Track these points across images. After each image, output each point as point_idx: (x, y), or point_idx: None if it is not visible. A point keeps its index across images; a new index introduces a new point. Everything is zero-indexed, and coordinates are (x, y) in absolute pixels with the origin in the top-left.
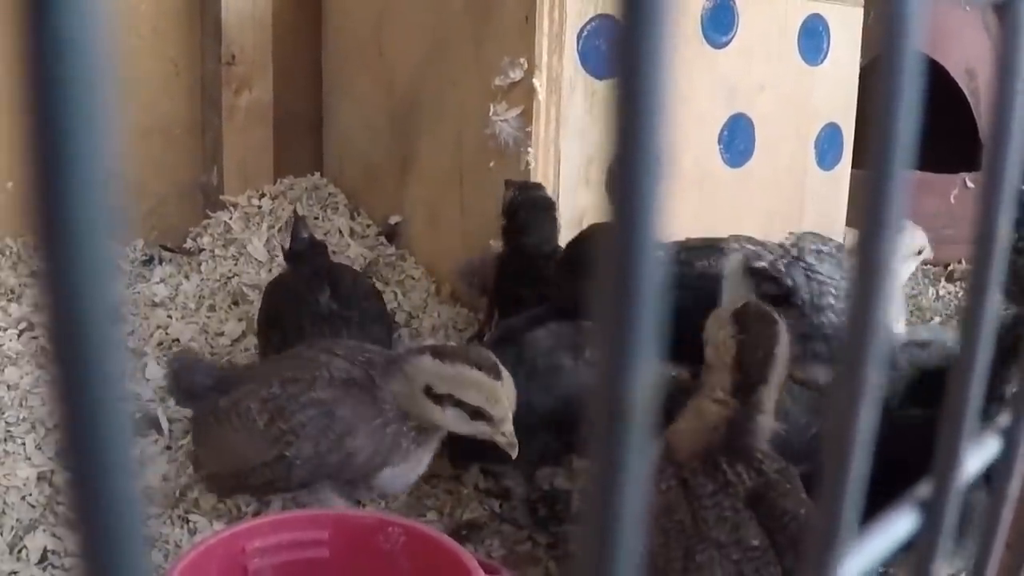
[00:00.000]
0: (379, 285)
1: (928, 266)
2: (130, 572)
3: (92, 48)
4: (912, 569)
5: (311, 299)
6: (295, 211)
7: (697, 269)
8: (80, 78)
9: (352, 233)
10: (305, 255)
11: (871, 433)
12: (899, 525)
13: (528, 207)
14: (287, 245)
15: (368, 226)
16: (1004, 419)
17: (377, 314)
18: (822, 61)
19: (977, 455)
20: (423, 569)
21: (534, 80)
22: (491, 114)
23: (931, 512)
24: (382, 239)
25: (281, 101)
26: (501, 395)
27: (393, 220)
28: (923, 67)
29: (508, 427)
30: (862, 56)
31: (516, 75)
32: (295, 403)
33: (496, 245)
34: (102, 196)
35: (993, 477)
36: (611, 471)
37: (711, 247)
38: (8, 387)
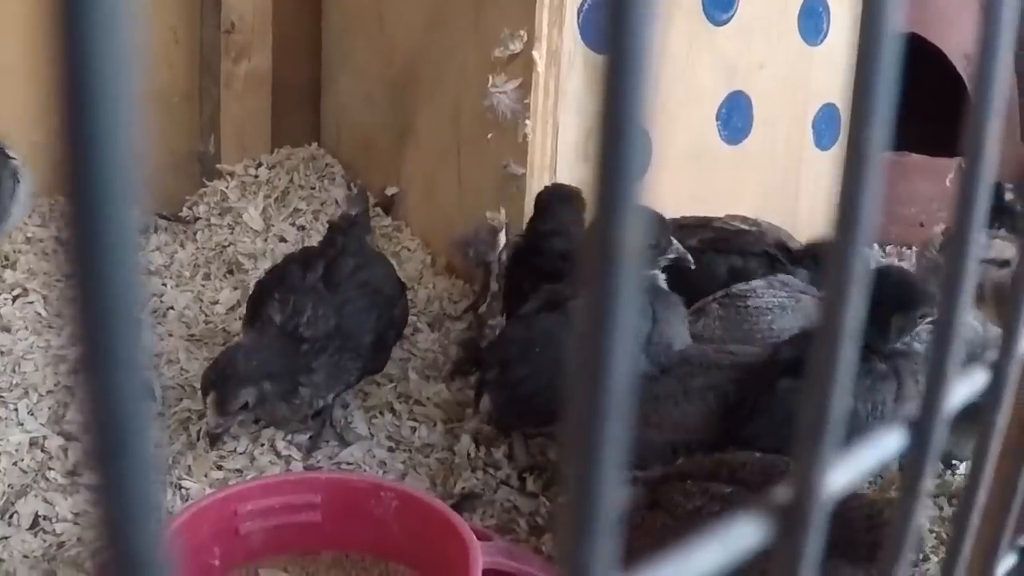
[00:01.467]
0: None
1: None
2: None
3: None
4: (902, 484)
5: (298, 272)
6: (359, 182)
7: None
8: (104, 45)
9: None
10: (342, 229)
11: (855, 349)
12: (888, 441)
13: (556, 197)
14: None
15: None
16: (992, 354)
17: (365, 309)
18: (822, 41)
19: (966, 384)
20: (415, 534)
21: (534, 52)
22: (489, 86)
23: (919, 432)
24: (378, 210)
25: (280, 70)
26: None
27: (390, 191)
28: (921, 51)
29: None
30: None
31: (516, 47)
32: None
33: (493, 218)
34: (127, 163)
35: (983, 409)
36: (603, 306)
37: (704, 226)
38: (1, 353)
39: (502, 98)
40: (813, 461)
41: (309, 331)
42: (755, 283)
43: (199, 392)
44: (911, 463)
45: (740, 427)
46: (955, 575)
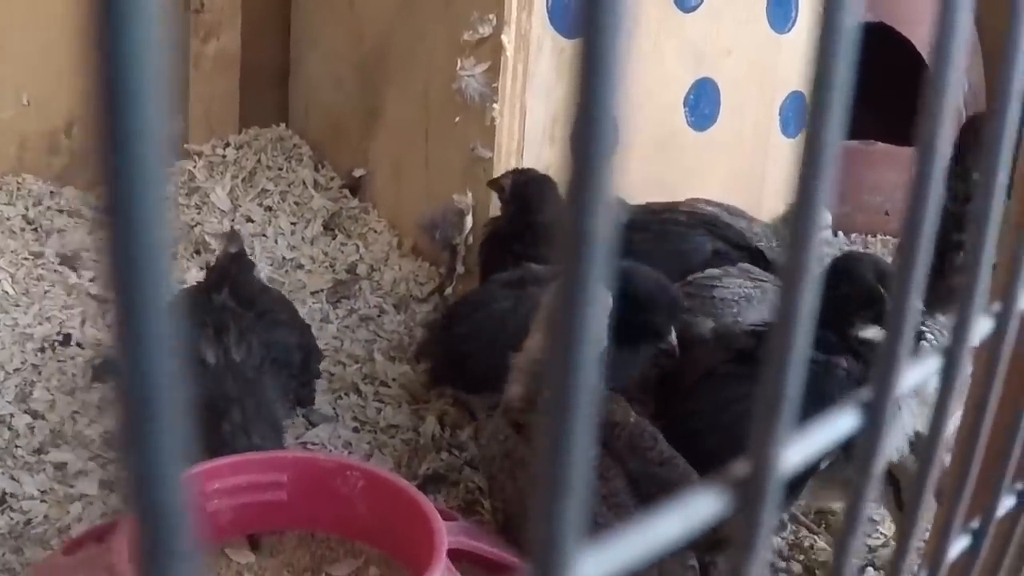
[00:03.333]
0: (341, 238)
1: (888, 237)
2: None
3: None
4: (856, 464)
5: (204, 296)
6: (231, 227)
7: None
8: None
9: (316, 185)
10: (228, 270)
11: (809, 333)
12: (842, 422)
13: (535, 183)
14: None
15: (332, 178)
16: (945, 341)
17: (284, 320)
18: (790, 29)
19: (919, 369)
20: (381, 513)
21: (502, 36)
22: (458, 69)
23: (872, 413)
24: (345, 191)
25: (248, 51)
26: None
27: (357, 173)
28: (889, 42)
29: None
30: None
31: (485, 31)
32: None
33: (460, 200)
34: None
35: (939, 392)
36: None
37: (672, 210)
38: None
39: (470, 81)
40: (769, 438)
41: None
42: (717, 271)
43: None
44: (863, 444)
45: (677, 401)
46: (956, 511)
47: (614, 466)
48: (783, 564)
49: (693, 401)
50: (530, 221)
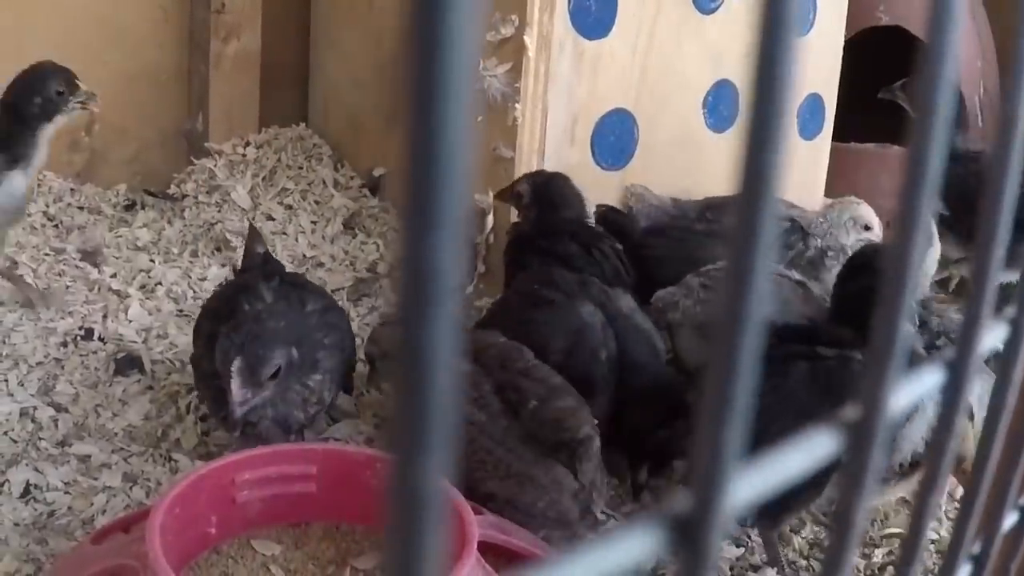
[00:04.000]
0: (362, 236)
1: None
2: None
3: None
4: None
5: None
6: (251, 225)
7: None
8: None
9: (336, 184)
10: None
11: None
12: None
13: (555, 183)
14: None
15: (352, 178)
16: (949, 352)
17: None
18: (807, 32)
19: (913, 387)
20: None
21: (525, 37)
22: (480, 69)
23: (954, 371)
24: (365, 191)
25: (268, 51)
26: None
27: (377, 172)
28: (904, 45)
29: None
30: (847, 29)
31: (507, 31)
32: None
33: (481, 200)
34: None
35: (943, 403)
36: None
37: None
38: None
39: (493, 81)
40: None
41: (312, 305)
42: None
43: (188, 367)
44: (945, 401)
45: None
46: (967, 531)
47: (484, 377)
48: (804, 563)
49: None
50: (555, 219)
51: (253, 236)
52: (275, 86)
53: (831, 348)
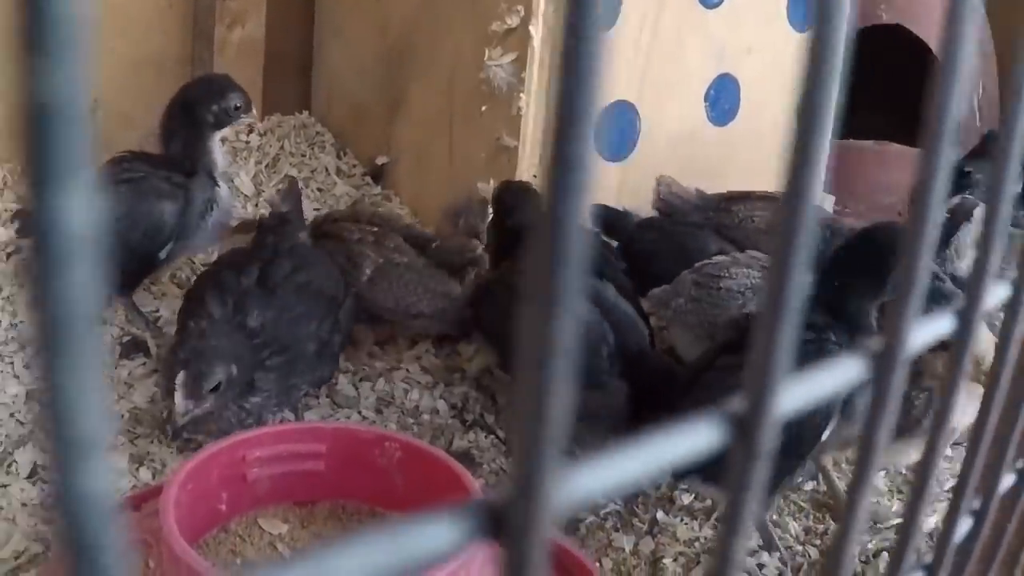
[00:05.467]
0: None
1: None
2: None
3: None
4: (866, 415)
5: (231, 276)
6: (291, 180)
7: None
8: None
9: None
10: (273, 228)
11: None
12: (845, 371)
13: (509, 191)
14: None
15: (354, 166)
16: (959, 302)
17: (306, 315)
18: (807, 30)
19: (929, 329)
20: (418, 484)
21: (530, 28)
22: (486, 59)
23: (879, 365)
24: (368, 179)
25: (272, 39)
26: None
27: (380, 160)
28: (905, 42)
29: None
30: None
31: (512, 22)
32: None
33: (484, 189)
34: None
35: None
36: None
37: (747, 197)
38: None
39: (498, 71)
40: (902, 319)
41: (255, 323)
42: (726, 259)
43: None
44: (875, 396)
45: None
46: (965, 494)
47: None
48: (800, 548)
49: (689, 399)
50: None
51: (286, 193)
52: (278, 74)
53: (808, 332)
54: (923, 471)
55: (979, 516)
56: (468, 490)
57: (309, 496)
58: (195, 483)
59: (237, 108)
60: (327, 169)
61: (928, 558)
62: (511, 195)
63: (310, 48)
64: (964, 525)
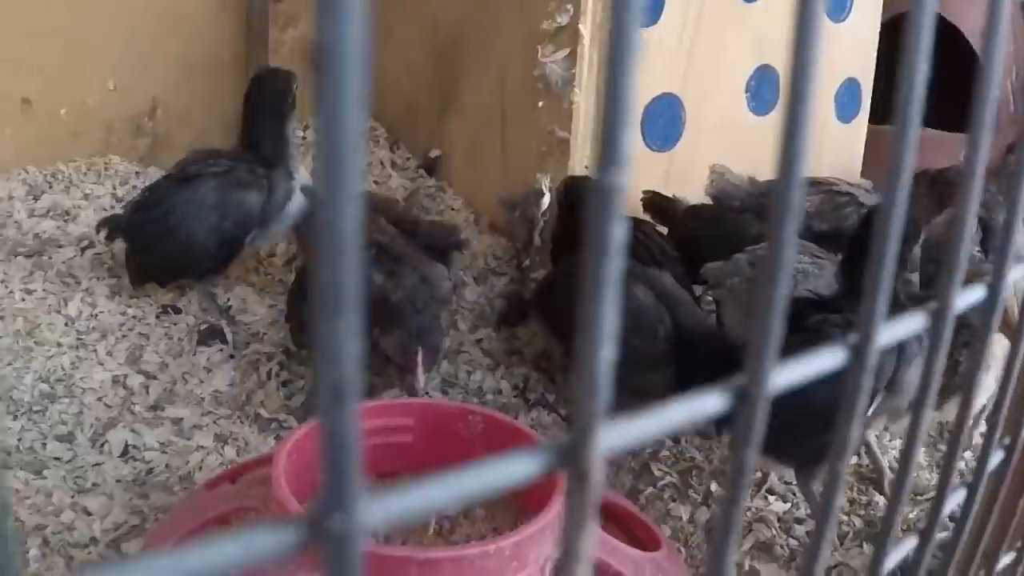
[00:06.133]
0: (420, 214)
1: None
2: None
3: None
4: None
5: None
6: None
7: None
8: None
9: (393, 165)
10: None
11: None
12: (829, 358)
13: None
14: None
15: (408, 159)
16: (933, 304)
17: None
18: (845, 18)
19: (906, 324)
20: (499, 453)
21: (580, 26)
22: (539, 56)
23: (857, 355)
24: (422, 171)
25: None
26: None
27: (433, 153)
28: (937, 29)
29: None
30: (883, 14)
31: (562, 20)
32: None
33: (539, 180)
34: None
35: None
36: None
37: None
38: (76, 300)
39: (552, 67)
40: (871, 320)
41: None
42: None
43: (266, 336)
44: (850, 383)
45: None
46: (997, 429)
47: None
48: (845, 518)
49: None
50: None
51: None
52: None
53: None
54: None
55: (1009, 449)
56: None
57: (396, 467)
58: (299, 455)
59: (297, 88)
60: (382, 163)
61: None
62: (577, 190)
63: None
64: (997, 457)
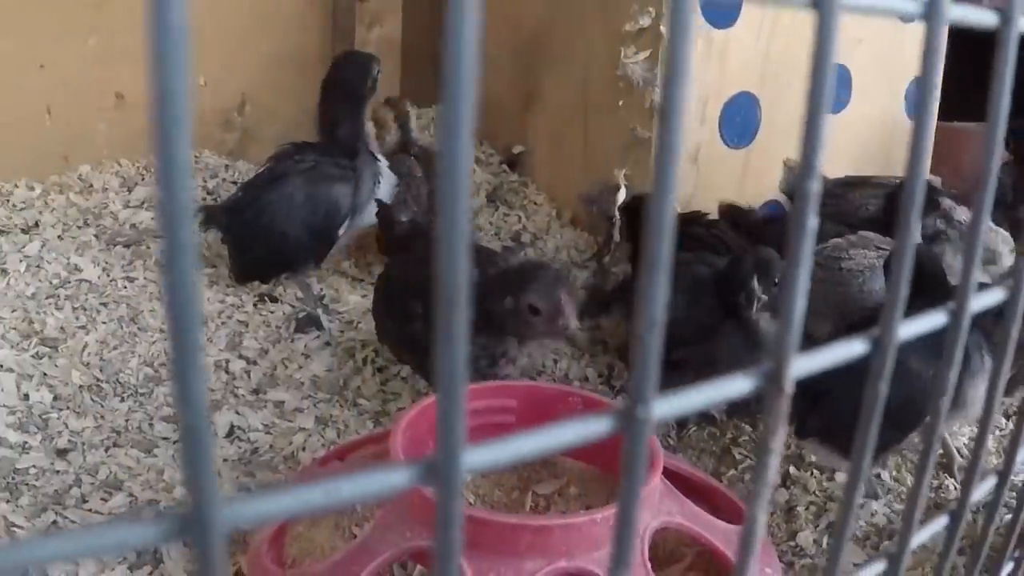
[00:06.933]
0: (504, 209)
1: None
2: None
3: None
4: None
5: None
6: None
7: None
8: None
9: (477, 160)
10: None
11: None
12: (853, 347)
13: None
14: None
15: (491, 154)
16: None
17: None
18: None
19: (923, 321)
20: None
21: (662, 27)
22: (623, 57)
23: (878, 347)
24: (505, 166)
25: (408, 37)
26: None
27: (516, 149)
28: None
29: None
30: None
31: (645, 22)
32: None
33: (618, 176)
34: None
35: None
36: None
37: (864, 183)
38: None
39: (635, 68)
40: (786, 346)
41: None
42: (842, 242)
43: (361, 324)
44: (873, 367)
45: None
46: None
47: None
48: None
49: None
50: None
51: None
52: (415, 69)
53: None
54: None
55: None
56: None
57: None
58: (412, 431)
59: (379, 73)
60: None
61: None
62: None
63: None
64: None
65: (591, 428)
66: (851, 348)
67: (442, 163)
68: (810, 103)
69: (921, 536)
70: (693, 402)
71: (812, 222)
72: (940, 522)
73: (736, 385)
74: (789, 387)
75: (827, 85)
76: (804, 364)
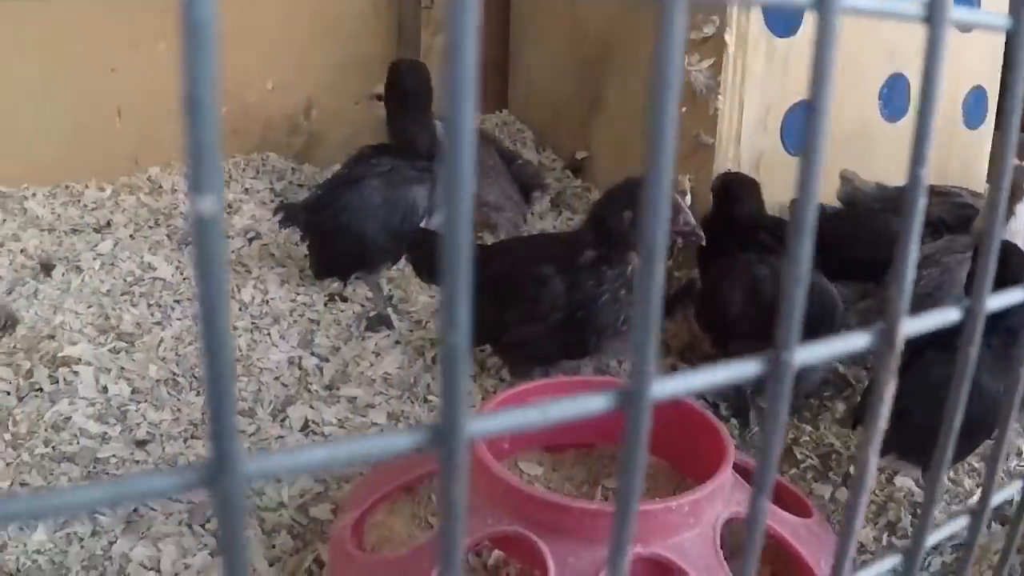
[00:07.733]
0: (567, 213)
1: None
2: None
3: None
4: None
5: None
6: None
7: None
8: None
9: (541, 165)
10: None
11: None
12: (856, 340)
13: (737, 182)
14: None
15: (554, 160)
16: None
17: None
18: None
19: (935, 316)
20: (673, 429)
21: (725, 36)
22: (686, 64)
23: (886, 339)
24: (568, 172)
25: None
26: None
27: (579, 155)
28: None
29: None
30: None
31: (708, 31)
32: None
33: (681, 182)
34: None
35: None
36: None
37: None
38: (248, 286)
39: (698, 75)
40: (787, 335)
41: None
42: (940, 244)
43: (430, 324)
44: (879, 360)
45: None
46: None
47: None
48: (972, 501)
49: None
50: (738, 212)
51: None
52: (479, 76)
53: None
54: None
55: None
56: (719, 434)
57: (561, 440)
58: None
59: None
60: (531, 162)
61: None
62: (735, 185)
63: (506, 52)
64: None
65: (592, 404)
66: (947, 315)
67: (447, 162)
68: (923, 96)
69: (938, 535)
70: (694, 383)
71: (922, 202)
72: (960, 522)
73: (742, 368)
74: (900, 344)
75: (827, 85)
76: (912, 325)
